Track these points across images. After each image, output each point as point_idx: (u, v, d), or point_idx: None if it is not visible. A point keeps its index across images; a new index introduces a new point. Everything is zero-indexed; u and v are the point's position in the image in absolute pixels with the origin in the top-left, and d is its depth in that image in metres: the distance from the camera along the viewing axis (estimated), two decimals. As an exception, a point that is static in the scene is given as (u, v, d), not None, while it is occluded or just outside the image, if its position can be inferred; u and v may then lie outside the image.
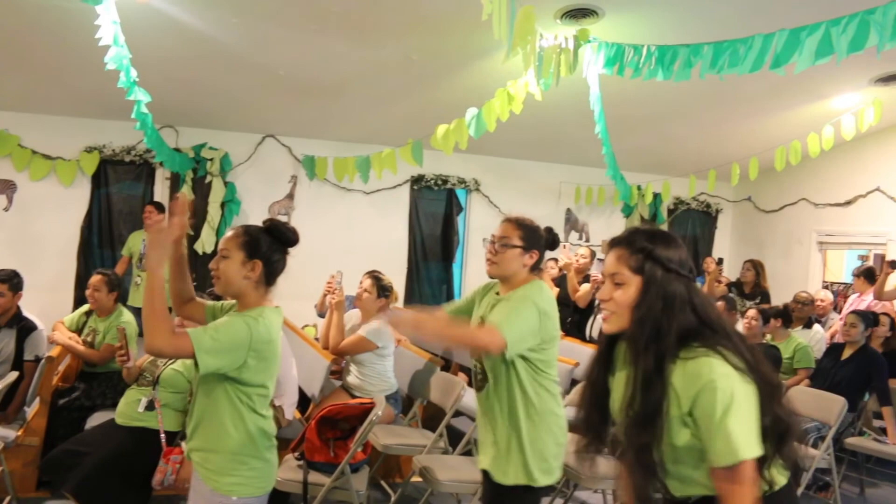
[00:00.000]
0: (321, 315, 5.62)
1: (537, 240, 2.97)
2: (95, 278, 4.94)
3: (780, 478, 1.86)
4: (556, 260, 6.92)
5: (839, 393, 4.88)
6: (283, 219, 8.35)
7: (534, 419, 2.80)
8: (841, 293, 8.34)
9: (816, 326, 6.61)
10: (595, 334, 6.45)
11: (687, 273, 1.88)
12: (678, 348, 1.80)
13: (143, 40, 5.09)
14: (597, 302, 6.48)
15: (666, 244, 1.89)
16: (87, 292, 4.95)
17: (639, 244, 1.88)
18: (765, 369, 1.82)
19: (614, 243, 1.95)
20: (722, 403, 1.72)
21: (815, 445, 4.93)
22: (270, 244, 2.53)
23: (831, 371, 5.61)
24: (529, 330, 2.75)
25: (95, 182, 7.84)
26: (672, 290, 1.84)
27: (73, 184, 7.74)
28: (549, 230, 3.10)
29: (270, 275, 2.53)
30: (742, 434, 1.72)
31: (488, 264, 2.97)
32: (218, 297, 2.94)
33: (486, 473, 2.92)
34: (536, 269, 2.99)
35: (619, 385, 1.92)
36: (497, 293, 2.98)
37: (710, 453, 1.75)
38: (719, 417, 1.72)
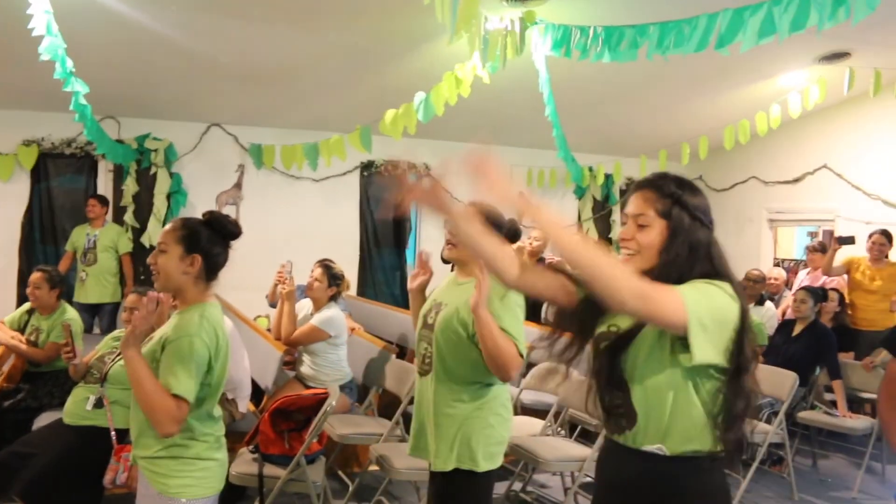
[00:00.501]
0: (272, 305, 5.55)
1: (499, 227, 2.92)
2: (35, 276, 4.82)
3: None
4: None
5: (791, 368, 4.96)
6: (231, 209, 8.23)
7: (479, 403, 2.76)
8: (792, 270, 8.47)
9: (768, 304, 6.69)
10: (550, 317, 6.45)
11: (709, 223, 1.92)
12: None
13: (78, 30, 4.94)
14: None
15: (693, 192, 1.92)
16: (28, 290, 4.82)
17: (668, 189, 1.91)
18: (751, 338, 1.84)
19: (642, 185, 1.96)
20: (709, 286, 1.79)
21: (768, 421, 5.01)
22: (210, 237, 2.45)
23: (783, 347, 5.69)
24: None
25: (35, 176, 7.60)
26: (697, 237, 1.88)
27: (11, 179, 7.50)
28: (513, 221, 3.03)
29: (211, 269, 2.46)
30: (700, 301, 1.74)
31: (447, 247, 2.90)
32: None
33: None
34: None
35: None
36: (457, 280, 2.92)
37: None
38: (698, 284, 1.79)
